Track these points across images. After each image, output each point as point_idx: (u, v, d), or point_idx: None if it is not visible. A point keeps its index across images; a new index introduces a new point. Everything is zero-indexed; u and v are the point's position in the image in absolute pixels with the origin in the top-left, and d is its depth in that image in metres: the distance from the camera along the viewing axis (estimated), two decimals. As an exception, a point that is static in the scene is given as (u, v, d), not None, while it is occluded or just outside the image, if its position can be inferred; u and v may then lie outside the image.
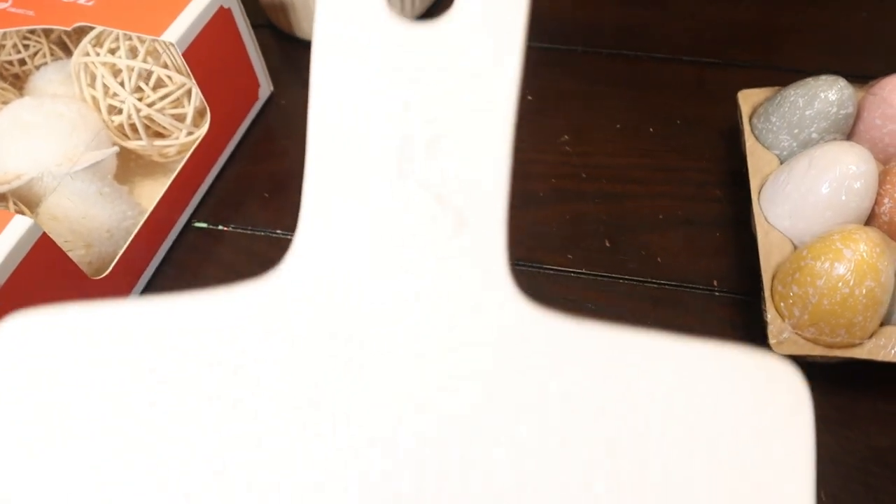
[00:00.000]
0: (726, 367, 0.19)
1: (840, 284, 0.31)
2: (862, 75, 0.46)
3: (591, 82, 0.47)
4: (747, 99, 0.41)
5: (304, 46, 0.51)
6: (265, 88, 0.47)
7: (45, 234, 0.32)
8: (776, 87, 0.40)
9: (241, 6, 0.43)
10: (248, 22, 0.44)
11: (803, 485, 0.18)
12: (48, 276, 0.33)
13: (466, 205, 0.19)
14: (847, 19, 0.50)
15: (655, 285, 0.38)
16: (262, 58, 0.46)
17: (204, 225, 0.43)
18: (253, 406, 0.19)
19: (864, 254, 0.31)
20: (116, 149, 0.39)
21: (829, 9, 0.51)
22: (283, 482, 0.19)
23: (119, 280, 0.38)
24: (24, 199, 0.38)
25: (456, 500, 0.18)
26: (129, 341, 0.20)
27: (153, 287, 0.40)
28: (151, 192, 0.43)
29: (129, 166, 0.44)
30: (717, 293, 0.38)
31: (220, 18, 0.41)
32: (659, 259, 0.39)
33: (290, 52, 0.51)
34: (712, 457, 0.19)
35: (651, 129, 0.44)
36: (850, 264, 0.31)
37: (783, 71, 0.47)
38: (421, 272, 0.19)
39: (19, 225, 0.32)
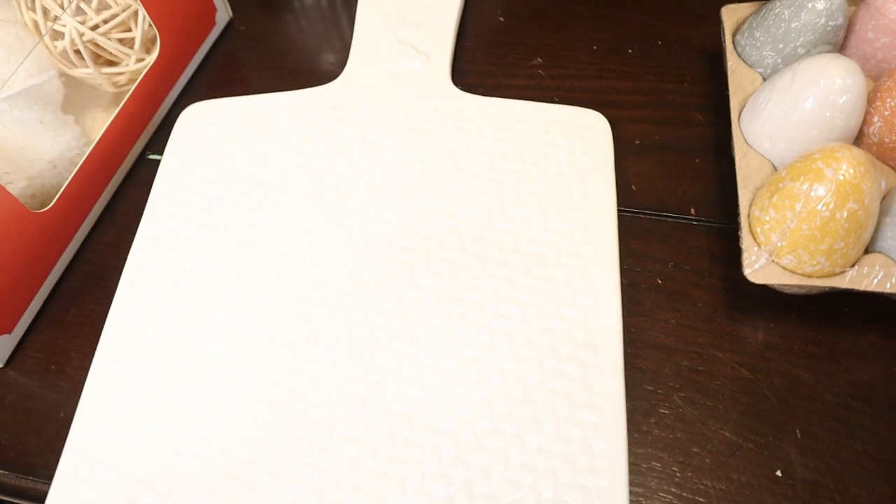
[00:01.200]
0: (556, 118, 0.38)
1: (820, 207, 0.29)
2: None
3: (566, 1, 0.44)
4: (731, 15, 0.38)
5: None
6: (223, 14, 0.45)
7: None
8: (762, 2, 0.38)
9: None
10: None
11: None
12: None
13: (430, 50, 0.41)
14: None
15: (629, 214, 0.36)
16: None
17: (157, 157, 0.40)
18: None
19: (847, 174, 0.28)
20: (54, 72, 0.37)
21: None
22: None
23: (66, 214, 0.36)
24: None
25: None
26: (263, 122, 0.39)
27: (103, 223, 0.39)
28: (99, 119, 0.40)
29: (79, 96, 0.41)
30: (694, 221, 0.36)
31: None
32: (634, 186, 0.37)
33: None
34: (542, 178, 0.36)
35: (630, 51, 0.41)
36: (831, 185, 0.29)
37: (773, -14, 0.44)
38: (403, 82, 0.40)
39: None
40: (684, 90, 0.40)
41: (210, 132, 0.39)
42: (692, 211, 0.36)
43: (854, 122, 0.32)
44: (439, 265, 0.34)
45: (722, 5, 0.40)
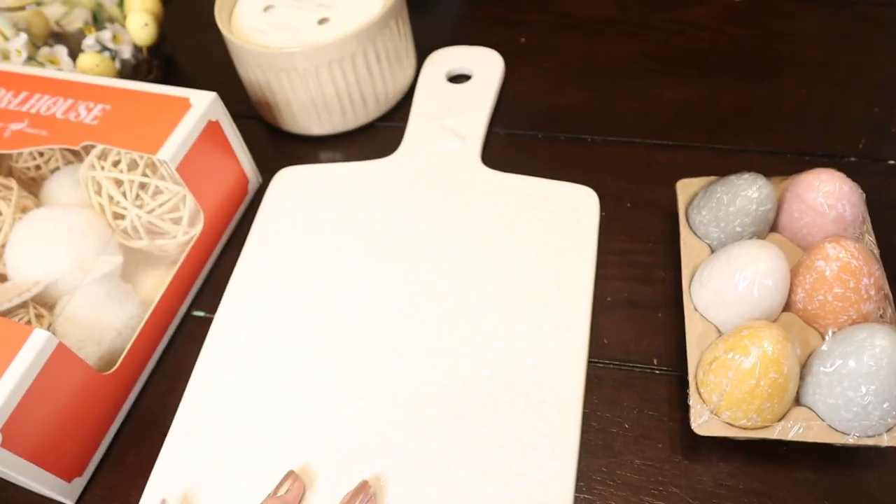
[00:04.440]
0: (554, 192, 0.49)
1: (747, 377, 0.35)
2: (798, 152, 0.50)
3: (549, 166, 0.51)
4: (685, 189, 0.45)
5: (289, 137, 0.56)
6: (254, 182, 0.52)
7: (60, 343, 0.37)
8: (710, 178, 0.45)
9: (228, 115, 0.48)
10: (236, 128, 0.49)
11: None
12: (64, 375, 0.38)
13: (465, 136, 0.53)
14: (787, 96, 0.54)
15: (601, 365, 0.43)
16: (249, 156, 0.51)
17: (202, 314, 0.48)
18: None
19: (769, 350, 0.35)
20: (121, 259, 0.44)
21: (771, 87, 0.55)
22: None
23: (127, 373, 0.43)
24: (41, 301, 0.43)
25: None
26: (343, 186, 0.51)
27: (156, 375, 0.45)
28: (154, 282, 0.48)
29: (134, 259, 0.48)
30: (656, 371, 0.42)
31: (210, 131, 0.46)
32: (605, 340, 0.44)
33: (276, 142, 0.56)
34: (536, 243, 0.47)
35: (603, 213, 0.48)
36: (755, 360, 0.35)
37: (726, 151, 0.51)
38: (443, 161, 0.52)
39: (38, 338, 0.37)
40: (650, 249, 0.47)
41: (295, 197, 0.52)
42: (654, 361, 0.43)
43: (779, 298, 0.38)
44: (457, 299, 0.45)
45: (683, 169, 0.47)
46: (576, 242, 0.46)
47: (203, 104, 0.45)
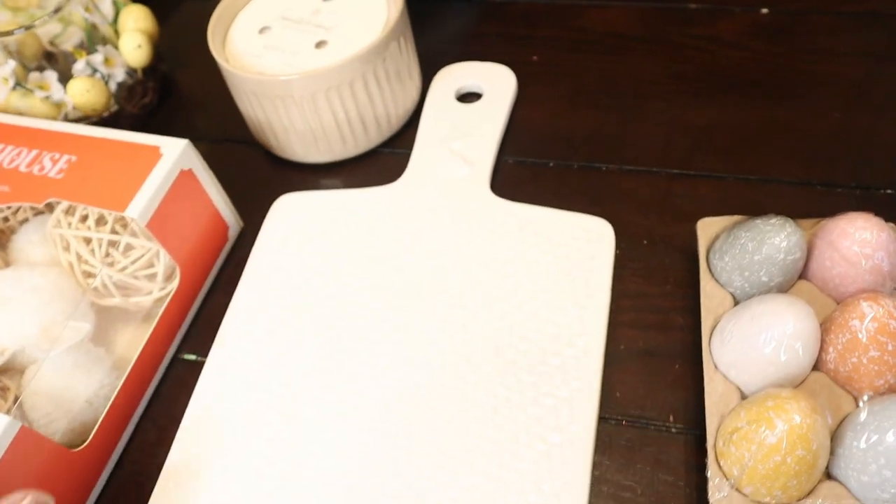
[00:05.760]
0: (567, 224, 0.46)
1: (772, 452, 0.32)
2: (830, 183, 0.47)
3: (559, 198, 0.48)
4: (706, 229, 0.42)
5: (289, 164, 0.53)
6: (234, 227, 0.49)
7: (23, 426, 0.34)
8: (734, 218, 0.41)
9: (202, 161, 0.45)
10: (212, 174, 0.46)
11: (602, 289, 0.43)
12: (31, 457, 0.36)
13: (473, 161, 0.49)
14: (818, 120, 0.50)
15: (613, 422, 0.40)
16: (228, 200, 0.48)
17: (192, 357, 0.45)
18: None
19: (796, 423, 0.32)
20: (89, 327, 0.41)
21: (801, 109, 0.51)
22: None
23: (100, 446, 0.40)
24: (7, 371, 0.41)
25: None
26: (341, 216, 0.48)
27: (131, 449, 0.42)
28: (129, 338, 0.45)
29: (108, 315, 0.45)
30: (673, 429, 0.39)
31: (182, 180, 0.43)
32: (618, 394, 0.41)
33: (276, 169, 0.54)
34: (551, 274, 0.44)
35: (617, 251, 0.45)
36: (781, 434, 0.32)
37: (751, 182, 0.48)
38: (450, 188, 0.49)
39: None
40: (667, 292, 0.44)
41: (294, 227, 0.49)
42: (671, 418, 0.40)
43: (808, 361, 0.35)
44: (463, 345, 0.42)
45: (703, 201, 0.44)
46: (589, 283, 0.43)
47: (174, 153, 0.42)
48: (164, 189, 0.41)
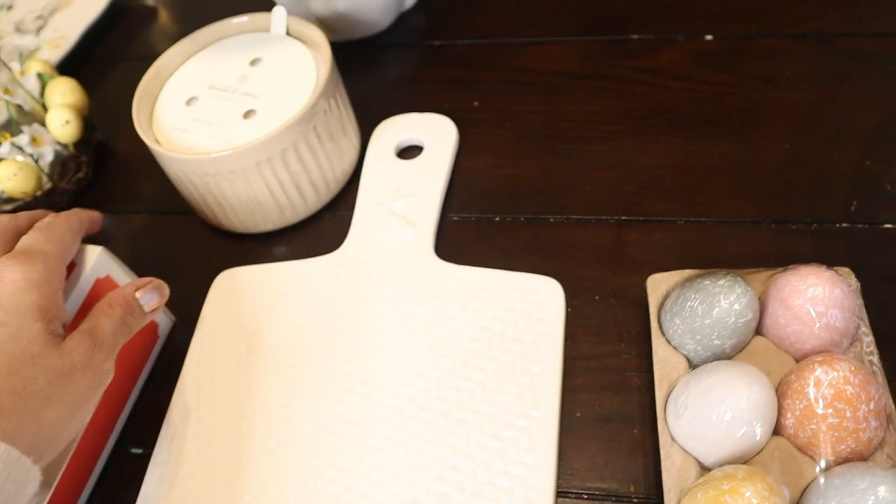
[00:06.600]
0: (514, 286, 0.44)
1: (731, 539, 0.31)
2: (783, 220, 0.45)
3: (507, 255, 0.47)
4: (656, 287, 0.40)
5: (231, 234, 0.52)
6: (164, 324, 0.47)
7: None
8: (684, 274, 0.40)
9: (120, 264, 0.43)
10: (133, 274, 0.44)
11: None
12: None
13: (416, 222, 0.48)
14: (768, 153, 0.49)
15: (573, 495, 0.38)
16: None
17: (139, 451, 0.43)
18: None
19: (753, 506, 0.30)
20: None
21: (751, 142, 0.49)
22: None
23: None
24: None
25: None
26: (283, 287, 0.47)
27: None
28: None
29: None
30: (635, 499, 0.38)
31: (100, 288, 0.41)
32: (576, 465, 0.39)
33: (218, 240, 0.52)
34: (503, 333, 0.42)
35: (569, 309, 0.44)
36: (738, 520, 0.30)
37: (703, 224, 0.46)
38: (392, 253, 0.47)
39: None
40: (622, 350, 0.42)
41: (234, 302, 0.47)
42: (632, 488, 0.38)
43: (765, 432, 0.34)
44: (410, 422, 0.40)
45: (655, 249, 0.44)
46: (540, 348, 0.41)
47: (88, 263, 0.40)
48: (80, 300, 0.39)
